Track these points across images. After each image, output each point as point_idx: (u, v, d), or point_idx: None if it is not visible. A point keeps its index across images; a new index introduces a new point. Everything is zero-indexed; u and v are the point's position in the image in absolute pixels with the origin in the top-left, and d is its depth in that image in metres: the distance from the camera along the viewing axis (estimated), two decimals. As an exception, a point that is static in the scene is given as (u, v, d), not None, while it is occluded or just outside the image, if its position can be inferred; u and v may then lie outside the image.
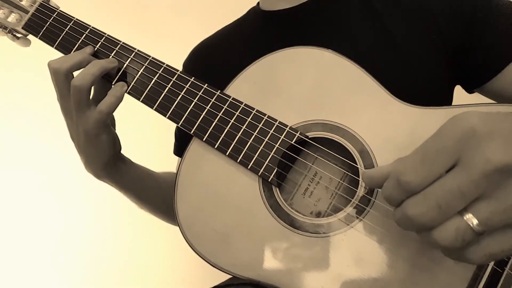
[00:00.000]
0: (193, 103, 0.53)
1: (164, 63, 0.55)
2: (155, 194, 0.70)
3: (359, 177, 0.47)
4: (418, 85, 0.54)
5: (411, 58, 0.54)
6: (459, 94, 0.60)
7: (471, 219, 0.28)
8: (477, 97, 0.58)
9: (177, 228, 0.52)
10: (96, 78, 0.53)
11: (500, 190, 0.27)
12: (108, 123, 0.57)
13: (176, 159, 0.77)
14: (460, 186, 0.28)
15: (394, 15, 0.56)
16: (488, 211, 0.28)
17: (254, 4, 0.71)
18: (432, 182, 0.29)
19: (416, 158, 0.30)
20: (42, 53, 0.63)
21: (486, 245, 0.29)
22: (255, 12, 0.69)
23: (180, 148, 0.74)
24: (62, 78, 0.53)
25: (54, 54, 0.58)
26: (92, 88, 0.54)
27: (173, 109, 0.54)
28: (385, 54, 0.55)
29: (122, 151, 0.62)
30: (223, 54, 0.68)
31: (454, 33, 0.54)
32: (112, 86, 0.56)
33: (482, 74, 0.55)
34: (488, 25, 0.53)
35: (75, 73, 0.54)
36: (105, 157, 0.58)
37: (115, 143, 0.59)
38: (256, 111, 0.51)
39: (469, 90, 0.59)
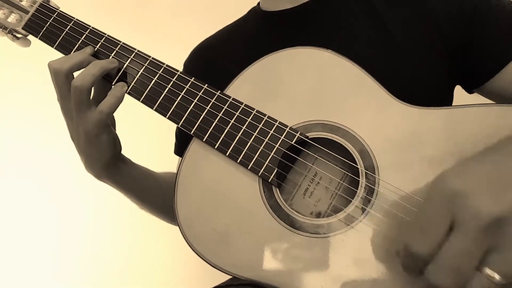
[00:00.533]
0: (193, 103, 0.53)
1: (164, 64, 0.55)
2: (155, 194, 0.70)
3: (359, 178, 0.47)
4: (418, 85, 0.54)
5: (411, 58, 0.54)
6: (459, 94, 0.60)
7: (492, 275, 0.28)
8: (477, 97, 0.58)
9: (177, 228, 0.52)
10: (97, 78, 0.53)
11: (504, 239, 0.28)
12: (109, 123, 0.57)
13: (176, 159, 0.77)
14: (464, 247, 0.29)
15: (394, 15, 0.56)
16: (503, 263, 0.28)
17: (255, 4, 0.71)
18: (439, 246, 0.30)
19: (415, 229, 0.32)
20: (42, 53, 0.63)
21: None
22: (255, 12, 0.69)
23: (180, 148, 0.74)
24: (62, 79, 0.53)
25: (54, 54, 0.58)
26: (92, 88, 0.54)
27: (173, 109, 0.54)
28: (385, 54, 0.55)
29: (122, 151, 0.62)
30: (224, 54, 0.68)
31: (454, 33, 0.54)
32: (112, 86, 0.56)
33: (481, 74, 0.55)
34: (487, 25, 0.53)
35: (75, 74, 0.54)
36: (106, 158, 0.58)
37: (116, 143, 0.59)
38: (256, 112, 0.51)
39: (469, 90, 0.59)
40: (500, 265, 0.28)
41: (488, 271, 0.28)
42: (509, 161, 0.31)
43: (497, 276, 0.28)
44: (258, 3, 0.70)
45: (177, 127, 0.73)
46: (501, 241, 0.28)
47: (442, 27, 0.54)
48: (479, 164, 0.31)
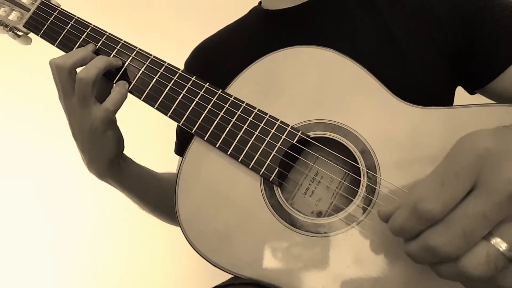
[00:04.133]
0: (195, 102, 0.53)
1: (165, 62, 0.55)
2: (157, 194, 0.69)
3: (360, 177, 0.47)
4: (419, 85, 0.54)
5: (412, 58, 0.54)
6: (460, 94, 0.60)
7: (500, 244, 0.27)
8: (478, 98, 0.58)
9: (178, 228, 0.51)
10: (101, 71, 0.52)
11: None
12: (115, 119, 0.56)
13: (177, 158, 0.77)
14: (484, 210, 0.27)
15: (396, 14, 0.56)
16: None
17: (256, 4, 0.71)
18: (454, 208, 0.28)
19: (434, 183, 0.28)
20: (43, 52, 0.63)
21: None
22: (257, 12, 0.69)
23: (181, 148, 0.74)
24: (66, 75, 0.52)
25: (55, 53, 0.58)
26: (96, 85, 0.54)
27: (175, 108, 0.54)
28: (387, 53, 0.55)
29: (126, 151, 0.62)
30: (225, 53, 0.68)
31: (456, 33, 0.54)
32: (114, 84, 0.56)
33: (484, 75, 0.54)
34: (490, 25, 0.53)
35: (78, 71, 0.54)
36: (110, 156, 0.57)
37: (120, 141, 0.59)
38: (257, 111, 0.51)
39: (471, 91, 0.59)
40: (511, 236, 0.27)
41: (496, 239, 0.27)
42: None
43: (504, 246, 0.27)
44: (260, 2, 0.70)
45: (178, 126, 0.74)
46: None
47: (444, 27, 0.54)
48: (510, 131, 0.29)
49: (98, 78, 0.53)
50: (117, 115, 0.58)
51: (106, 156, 0.57)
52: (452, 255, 0.28)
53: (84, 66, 0.53)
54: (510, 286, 0.28)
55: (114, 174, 0.60)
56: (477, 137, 0.28)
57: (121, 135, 0.59)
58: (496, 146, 0.27)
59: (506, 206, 0.26)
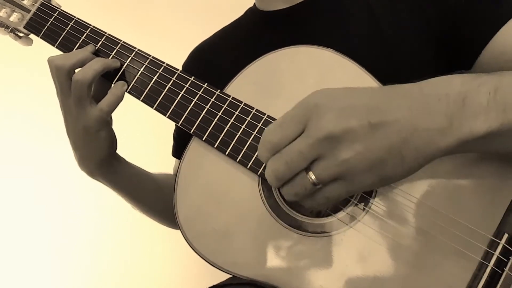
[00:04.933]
0: (193, 102, 0.53)
1: (164, 63, 0.56)
2: (149, 194, 0.70)
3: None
4: (412, 80, 0.53)
5: (403, 54, 0.53)
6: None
7: (311, 175, 0.35)
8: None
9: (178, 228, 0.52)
10: (98, 74, 0.53)
11: (329, 152, 0.34)
12: (109, 120, 0.57)
13: (173, 160, 0.77)
14: (301, 147, 0.35)
15: (385, 9, 0.55)
16: (320, 168, 0.35)
17: (252, 4, 0.71)
18: (287, 144, 0.36)
19: (277, 123, 0.37)
20: (43, 51, 0.63)
21: (323, 192, 0.36)
22: (252, 12, 0.69)
23: (178, 150, 0.74)
24: (64, 76, 0.53)
25: (55, 52, 0.58)
26: (92, 86, 0.54)
27: (173, 108, 0.54)
28: (380, 52, 0.54)
29: (123, 152, 0.62)
30: (222, 55, 0.68)
31: (441, 15, 0.52)
32: (113, 85, 0.56)
33: (470, 50, 0.52)
34: (474, 1, 0.50)
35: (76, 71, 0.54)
36: (101, 155, 0.58)
37: (113, 141, 0.59)
38: (255, 111, 0.51)
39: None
40: (317, 170, 0.35)
41: (309, 172, 0.35)
42: (368, 98, 0.36)
43: (313, 177, 0.35)
44: (254, 3, 0.70)
45: (176, 128, 0.74)
46: (327, 153, 0.34)
47: (429, 11, 0.52)
48: (343, 92, 0.37)
49: (94, 80, 0.53)
50: (116, 115, 0.59)
51: (97, 155, 0.58)
52: (282, 180, 0.36)
53: (81, 68, 0.53)
54: (314, 203, 0.37)
55: (105, 173, 0.61)
56: (314, 94, 0.37)
57: (115, 136, 0.60)
58: (323, 101, 0.35)
59: (317, 146, 0.34)
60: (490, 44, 0.50)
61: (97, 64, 0.53)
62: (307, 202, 0.38)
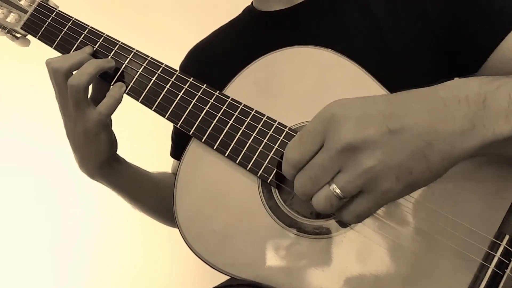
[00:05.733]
0: (192, 103, 0.53)
1: (162, 64, 0.55)
2: (150, 194, 0.70)
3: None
4: (412, 82, 0.52)
5: (403, 55, 0.53)
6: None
7: (335, 188, 0.34)
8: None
9: (176, 229, 0.51)
10: (93, 77, 0.53)
11: (351, 163, 0.33)
12: (108, 122, 0.57)
13: (171, 160, 0.77)
14: (323, 162, 0.34)
15: (385, 10, 0.55)
16: (344, 181, 0.34)
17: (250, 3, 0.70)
18: (310, 159, 0.35)
19: (296, 139, 0.37)
20: (43, 51, 0.63)
21: (352, 207, 0.35)
22: (250, 12, 0.68)
23: (176, 151, 0.74)
24: (62, 78, 0.53)
25: (55, 52, 0.58)
26: (90, 87, 0.54)
27: (172, 109, 0.54)
28: (379, 52, 0.54)
29: (122, 152, 0.62)
30: (220, 55, 0.68)
31: (444, 19, 0.51)
32: (111, 86, 0.56)
33: (474, 59, 0.52)
34: (477, 5, 0.50)
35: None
36: (101, 157, 0.58)
37: (113, 143, 0.59)
38: (255, 112, 0.51)
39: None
40: (341, 182, 0.34)
41: (333, 185, 0.34)
42: (385, 104, 0.35)
43: (337, 190, 0.34)
44: (252, 2, 0.69)
45: (173, 129, 0.74)
46: (348, 164, 0.33)
47: (431, 14, 0.52)
48: (359, 102, 0.36)
49: (90, 84, 0.53)
50: (116, 115, 0.58)
51: (97, 157, 0.58)
52: (306, 194, 0.36)
53: (76, 72, 0.53)
54: (346, 219, 0.36)
55: (105, 174, 0.61)
56: (329, 105, 0.36)
57: (115, 137, 0.60)
58: (339, 112, 0.34)
59: (338, 158, 0.34)
60: (499, 48, 0.49)
61: (91, 67, 0.52)
62: (342, 218, 0.37)
